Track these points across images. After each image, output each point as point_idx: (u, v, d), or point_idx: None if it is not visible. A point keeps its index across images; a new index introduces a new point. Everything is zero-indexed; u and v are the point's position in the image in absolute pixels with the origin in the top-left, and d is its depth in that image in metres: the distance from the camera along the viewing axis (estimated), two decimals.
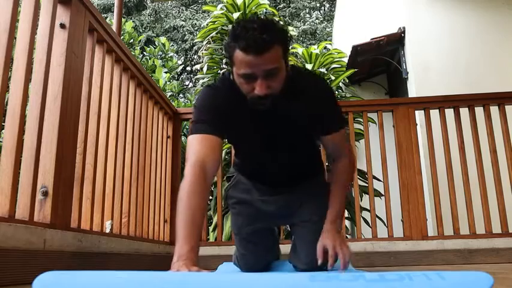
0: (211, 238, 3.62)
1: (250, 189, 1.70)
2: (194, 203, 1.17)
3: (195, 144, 1.29)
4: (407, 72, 4.82)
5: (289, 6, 15.85)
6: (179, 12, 15.71)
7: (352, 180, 1.63)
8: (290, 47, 1.35)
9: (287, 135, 1.50)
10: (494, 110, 2.92)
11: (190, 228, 1.12)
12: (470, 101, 2.96)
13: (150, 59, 7.55)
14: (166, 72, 7.38)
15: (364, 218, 3.25)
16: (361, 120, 3.09)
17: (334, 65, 4.85)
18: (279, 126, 1.46)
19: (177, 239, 1.12)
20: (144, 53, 8.36)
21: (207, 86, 1.46)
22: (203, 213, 1.22)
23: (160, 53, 8.23)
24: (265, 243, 1.81)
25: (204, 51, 4.76)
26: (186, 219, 1.14)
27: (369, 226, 2.96)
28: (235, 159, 1.80)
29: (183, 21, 15.01)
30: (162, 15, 15.31)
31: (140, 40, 9.00)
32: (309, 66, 4.71)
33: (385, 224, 2.85)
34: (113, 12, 4.18)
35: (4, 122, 1.37)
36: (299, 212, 1.67)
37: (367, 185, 3.06)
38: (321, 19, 15.34)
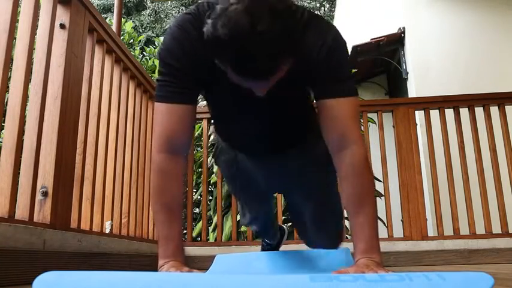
0: (211, 238, 3.62)
1: (234, 157, 1.43)
2: (168, 197, 1.05)
3: (161, 117, 1.05)
4: (407, 73, 4.83)
5: None
6: (179, 12, 15.70)
7: (373, 183, 1.08)
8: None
9: (277, 96, 1.10)
10: (494, 110, 2.92)
11: (169, 227, 1.03)
12: (470, 101, 2.97)
13: (150, 59, 7.54)
14: None
15: None
16: (361, 120, 3.09)
17: None
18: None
19: (159, 240, 1.04)
20: (144, 53, 8.35)
21: (175, 26, 1.05)
22: (181, 206, 1.09)
23: None
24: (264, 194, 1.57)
25: None
26: (164, 218, 1.04)
27: None
28: (214, 123, 1.46)
29: None
30: (162, 16, 15.31)
31: (140, 40, 9.00)
32: None
33: (385, 224, 2.84)
34: (112, 12, 4.18)
35: (4, 123, 1.37)
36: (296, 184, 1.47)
37: None
38: None
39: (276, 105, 1.19)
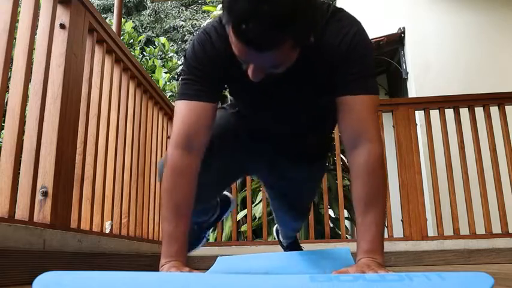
0: (211, 238, 3.62)
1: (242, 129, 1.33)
2: (178, 196, 1.04)
3: (182, 114, 1.07)
4: (407, 73, 4.83)
5: None
6: (179, 12, 15.71)
7: (385, 184, 1.07)
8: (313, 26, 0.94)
9: (299, 96, 1.15)
10: (494, 110, 2.92)
11: (175, 226, 1.02)
12: (470, 101, 2.97)
13: (150, 59, 7.54)
14: (166, 73, 7.37)
15: None
16: None
17: None
18: (289, 85, 1.09)
19: (163, 238, 1.03)
20: (144, 53, 8.36)
21: (201, 31, 1.12)
22: (190, 206, 1.07)
23: (160, 53, 8.23)
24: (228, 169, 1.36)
25: None
26: (171, 217, 1.03)
27: None
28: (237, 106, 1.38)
29: (183, 21, 15.01)
30: (162, 16, 15.31)
31: (140, 40, 9.01)
32: None
33: (385, 224, 2.85)
34: (112, 12, 4.19)
35: (4, 123, 1.37)
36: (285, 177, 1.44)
37: None
38: None
39: (295, 106, 1.18)
